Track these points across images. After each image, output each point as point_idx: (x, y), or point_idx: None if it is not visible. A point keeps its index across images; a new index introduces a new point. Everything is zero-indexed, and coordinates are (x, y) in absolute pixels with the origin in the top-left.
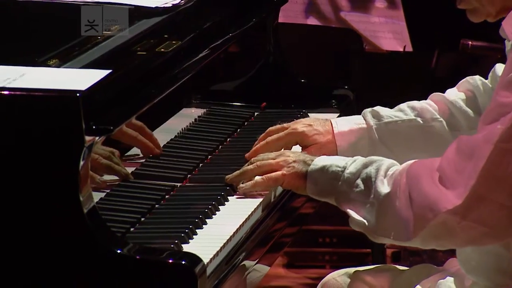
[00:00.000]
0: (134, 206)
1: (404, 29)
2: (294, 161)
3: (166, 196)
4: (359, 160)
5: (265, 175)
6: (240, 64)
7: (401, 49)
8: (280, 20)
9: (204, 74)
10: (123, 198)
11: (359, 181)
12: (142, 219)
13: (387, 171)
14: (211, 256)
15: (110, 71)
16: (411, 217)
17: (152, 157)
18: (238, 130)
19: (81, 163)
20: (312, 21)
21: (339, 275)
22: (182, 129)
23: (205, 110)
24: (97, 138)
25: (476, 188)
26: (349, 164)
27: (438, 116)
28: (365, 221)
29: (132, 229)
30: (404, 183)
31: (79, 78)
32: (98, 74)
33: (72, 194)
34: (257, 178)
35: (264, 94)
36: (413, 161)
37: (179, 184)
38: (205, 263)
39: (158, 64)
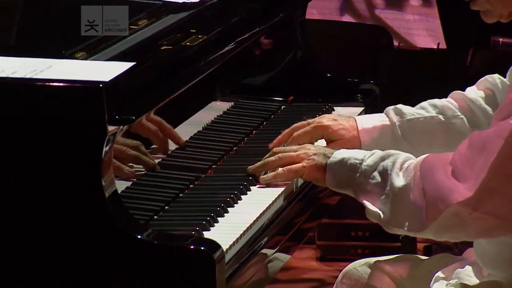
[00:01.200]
0: (159, 195)
1: (438, 27)
2: (315, 154)
3: (191, 186)
4: (377, 153)
5: (286, 167)
6: (268, 59)
7: (435, 46)
8: (315, 17)
9: (233, 68)
10: (148, 187)
11: (375, 174)
12: (166, 207)
13: (402, 164)
14: (231, 243)
15: (134, 63)
16: (424, 208)
17: (178, 148)
18: (264, 123)
19: (104, 151)
20: (347, 18)
21: (359, 265)
22: (209, 121)
23: (232, 103)
24: (120, 127)
25: (487, 181)
26: (367, 157)
27: (459, 113)
28: (380, 212)
29: (155, 216)
30: (418, 176)
31: (103, 70)
32: (122, 66)
33: (95, 180)
34: (279, 169)
35: (291, 88)
36: (427, 155)
37: (203, 175)
38: (224, 249)
39: (182, 58)
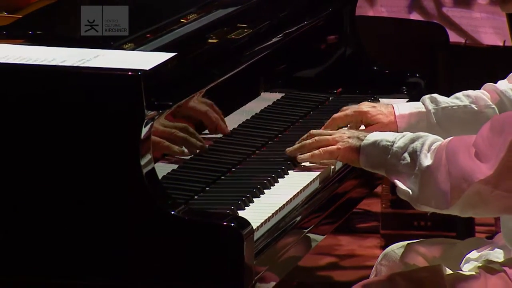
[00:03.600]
0: (201, 177)
1: (505, 25)
2: (349, 137)
3: (232, 169)
4: (408, 135)
5: (322, 148)
6: (319, 54)
7: (501, 44)
8: (384, 14)
9: (284, 61)
10: (191, 170)
11: (406, 155)
12: (207, 188)
13: (430, 146)
14: (262, 221)
15: (175, 53)
16: (449, 187)
17: (224, 135)
18: (311, 112)
19: (143, 133)
20: (415, 16)
21: (397, 248)
22: (259, 111)
23: (283, 94)
24: (159, 112)
25: (506, 160)
26: (398, 139)
27: (491, 103)
28: (409, 190)
29: (196, 196)
30: (444, 158)
31: (146, 60)
32: (164, 56)
33: (134, 158)
34: (315, 151)
35: (340, 81)
36: (452, 137)
37: (245, 159)
38: (255, 227)
39: (225, 49)
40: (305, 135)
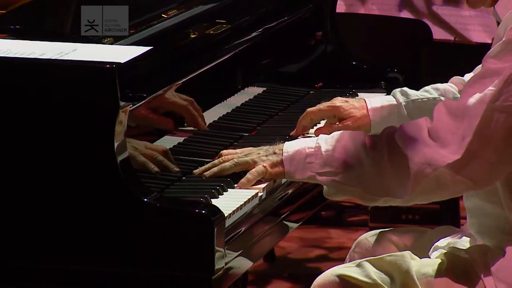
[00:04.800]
0: (178, 167)
1: (493, 22)
2: (266, 155)
3: (209, 161)
4: (330, 136)
5: (252, 170)
6: (300, 49)
7: (490, 41)
8: (374, 12)
9: (266, 57)
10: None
11: (339, 154)
12: (183, 178)
13: (368, 138)
14: (234, 208)
15: (151, 47)
16: (408, 174)
17: (199, 131)
18: (291, 105)
19: (117, 122)
20: (405, 14)
21: (370, 236)
22: (240, 104)
23: (265, 89)
24: (132, 103)
25: (470, 145)
26: (321, 142)
27: (459, 96)
28: (359, 189)
29: (171, 186)
30: (395, 144)
31: (123, 53)
32: (140, 50)
33: (108, 146)
34: (247, 175)
35: (320, 76)
36: (394, 126)
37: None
38: (226, 214)
39: (201, 44)
40: (216, 157)
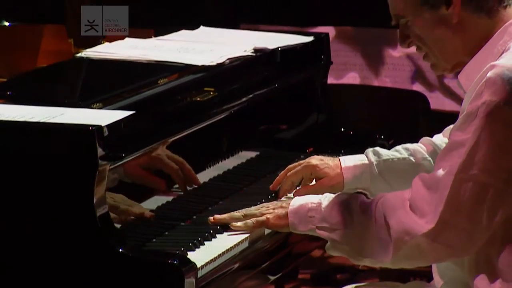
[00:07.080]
0: (161, 223)
1: None
2: (274, 208)
3: (193, 217)
4: (332, 195)
5: (254, 218)
6: (292, 117)
7: None
8: (388, 85)
9: (261, 122)
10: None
11: (336, 213)
12: (166, 233)
13: (361, 203)
14: (208, 260)
15: (133, 112)
16: (390, 241)
17: (192, 189)
18: (280, 168)
19: (96, 179)
20: (418, 87)
21: None
22: (232, 167)
23: (258, 153)
24: (112, 162)
25: (443, 214)
26: (323, 199)
27: (427, 156)
28: (347, 247)
29: (154, 240)
30: (380, 212)
31: (107, 117)
32: (123, 114)
33: (88, 202)
34: (248, 220)
35: (312, 141)
36: (384, 193)
37: (209, 208)
38: (199, 266)
39: (187, 109)
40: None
